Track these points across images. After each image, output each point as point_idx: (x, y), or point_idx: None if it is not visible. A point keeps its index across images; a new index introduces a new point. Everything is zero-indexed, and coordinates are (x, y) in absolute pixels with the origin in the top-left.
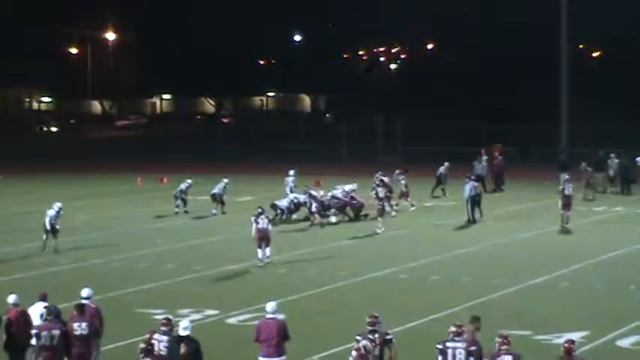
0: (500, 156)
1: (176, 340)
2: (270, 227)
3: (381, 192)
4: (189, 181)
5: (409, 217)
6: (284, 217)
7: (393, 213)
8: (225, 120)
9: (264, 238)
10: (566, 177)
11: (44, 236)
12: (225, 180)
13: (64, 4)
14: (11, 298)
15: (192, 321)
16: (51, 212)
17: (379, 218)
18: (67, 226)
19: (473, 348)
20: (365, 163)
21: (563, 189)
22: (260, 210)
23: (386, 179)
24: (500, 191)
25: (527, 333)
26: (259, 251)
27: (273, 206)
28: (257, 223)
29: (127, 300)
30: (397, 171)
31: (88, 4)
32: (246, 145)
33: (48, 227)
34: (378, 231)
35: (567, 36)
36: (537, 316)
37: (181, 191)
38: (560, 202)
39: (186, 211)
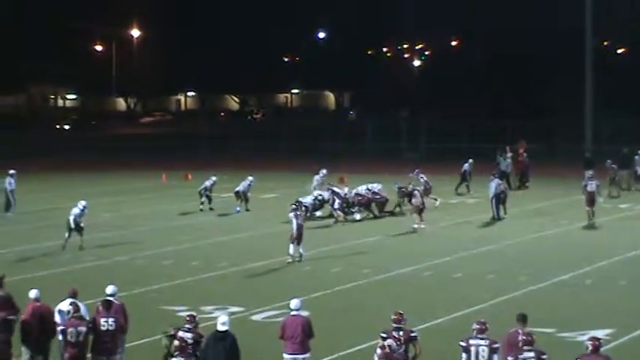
0: (525, 153)
1: (215, 337)
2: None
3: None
4: (214, 178)
5: (433, 214)
6: (308, 214)
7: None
8: (256, 116)
9: (301, 235)
10: (590, 174)
11: (66, 234)
12: (251, 178)
13: (89, 1)
14: (32, 293)
15: (230, 314)
16: (75, 210)
17: (414, 215)
18: (91, 223)
19: (496, 345)
20: (389, 161)
21: (586, 185)
22: (295, 206)
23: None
24: (524, 188)
25: (551, 330)
26: (292, 247)
27: (298, 203)
28: (297, 218)
29: (152, 297)
30: (417, 170)
31: (114, 1)
32: (271, 141)
33: (72, 225)
34: (415, 226)
35: (592, 34)
36: (562, 314)
37: (206, 188)
38: (584, 199)
39: (211, 208)
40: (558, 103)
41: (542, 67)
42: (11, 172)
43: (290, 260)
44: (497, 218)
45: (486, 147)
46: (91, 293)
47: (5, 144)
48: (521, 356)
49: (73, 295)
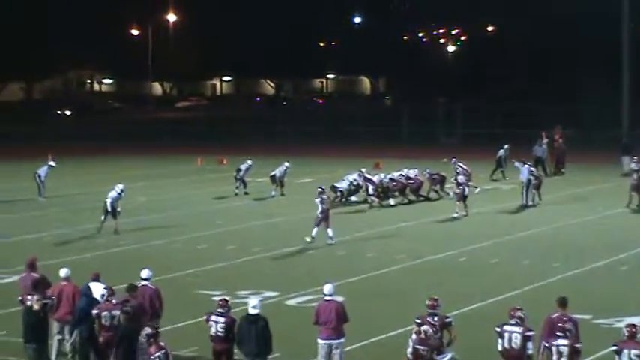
0: (561, 139)
1: (247, 320)
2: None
3: (461, 178)
4: (250, 162)
5: (468, 201)
6: (343, 199)
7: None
8: (321, 101)
9: (326, 219)
10: (635, 159)
11: (102, 217)
12: (287, 164)
13: None
14: (62, 272)
15: (265, 298)
16: (112, 194)
17: (457, 203)
18: (127, 207)
19: (529, 333)
20: (425, 146)
21: (638, 170)
22: (321, 189)
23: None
24: (560, 174)
25: (587, 317)
26: (315, 230)
27: (333, 188)
28: (322, 203)
29: (187, 281)
30: (454, 159)
31: None
32: (307, 126)
33: (109, 209)
34: (456, 215)
35: (629, 16)
36: (597, 300)
37: (239, 170)
38: (632, 183)
39: (246, 193)
40: (595, 87)
41: (577, 51)
42: (51, 163)
43: (309, 240)
44: (525, 205)
45: (521, 132)
46: (126, 277)
47: (41, 127)
48: (555, 343)
49: (96, 279)
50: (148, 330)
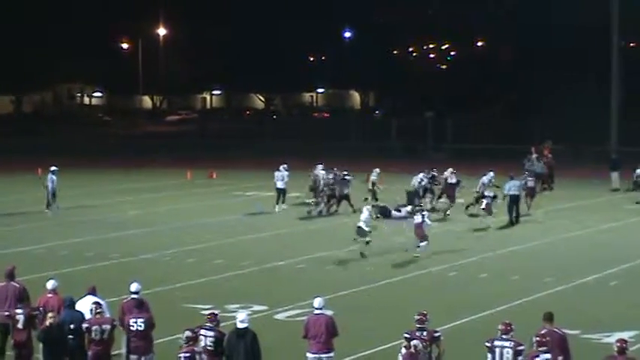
0: (550, 154)
1: (235, 334)
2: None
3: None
4: (377, 170)
5: (460, 215)
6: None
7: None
8: (326, 115)
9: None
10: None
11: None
12: (377, 169)
13: None
14: (49, 284)
15: (249, 314)
16: (365, 215)
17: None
18: (116, 220)
19: (521, 347)
20: (413, 160)
21: None
22: (419, 207)
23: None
24: (550, 190)
25: (576, 332)
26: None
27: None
28: (414, 218)
29: (176, 295)
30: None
31: None
32: (295, 140)
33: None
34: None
35: (619, 33)
36: (587, 315)
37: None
38: None
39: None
40: (582, 104)
41: (566, 66)
42: (52, 168)
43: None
44: (510, 221)
45: (512, 148)
46: (115, 291)
47: (31, 142)
48: (537, 358)
49: (93, 292)
50: (188, 333)
